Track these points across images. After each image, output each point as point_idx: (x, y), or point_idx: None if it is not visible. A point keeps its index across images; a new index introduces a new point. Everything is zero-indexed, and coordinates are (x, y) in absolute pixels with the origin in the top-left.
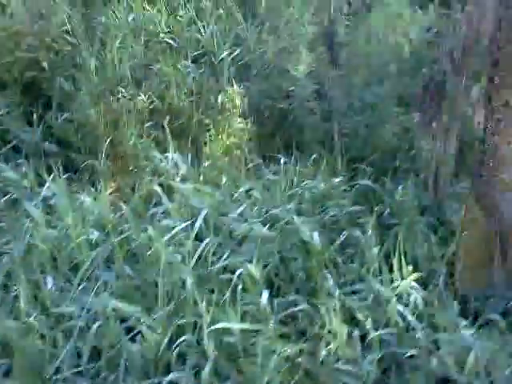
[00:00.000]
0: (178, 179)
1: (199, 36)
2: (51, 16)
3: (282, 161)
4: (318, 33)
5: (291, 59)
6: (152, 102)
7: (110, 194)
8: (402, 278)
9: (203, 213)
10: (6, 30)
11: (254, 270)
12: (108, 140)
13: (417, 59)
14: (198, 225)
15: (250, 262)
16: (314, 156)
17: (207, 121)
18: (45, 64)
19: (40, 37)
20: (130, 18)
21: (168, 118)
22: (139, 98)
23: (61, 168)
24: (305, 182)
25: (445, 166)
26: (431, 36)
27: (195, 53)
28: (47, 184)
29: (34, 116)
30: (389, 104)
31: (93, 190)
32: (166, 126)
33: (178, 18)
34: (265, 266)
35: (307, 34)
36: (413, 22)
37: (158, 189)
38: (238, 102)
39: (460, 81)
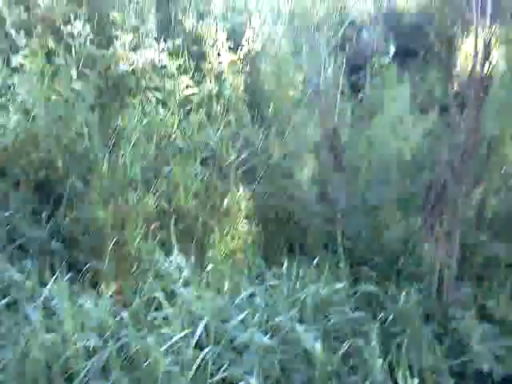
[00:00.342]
0: (181, 282)
1: (209, 139)
2: (70, 120)
3: (284, 264)
4: (322, 137)
5: (296, 162)
6: (159, 203)
7: (112, 296)
8: None
9: (204, 321)
10: (27, 132)
11: (255, 383)
12: (113, 241)
13: (418, 163)
14: (198, 333)
15: (251, 373)
16: (317, 259)
17: (212, 223)
18: (59, 164)
19: (57, 139)
20: (144, 122)
21: (174, 219)
22: (147, 199)
23: (64, 268)
24: (307, 288)
25: (448, 271)
26: (431, 140)
27: (204, 155)
28: (49, 285)
29: (44, 214)
30: (391, 207)
31: (95, 291)
32: (171, 228)
33: (190, 121)
34: (266, 377)
35: (312, 138)
36: (414, 126)
37: (159, 294)
38: (243, 204)
39: (460, 187)
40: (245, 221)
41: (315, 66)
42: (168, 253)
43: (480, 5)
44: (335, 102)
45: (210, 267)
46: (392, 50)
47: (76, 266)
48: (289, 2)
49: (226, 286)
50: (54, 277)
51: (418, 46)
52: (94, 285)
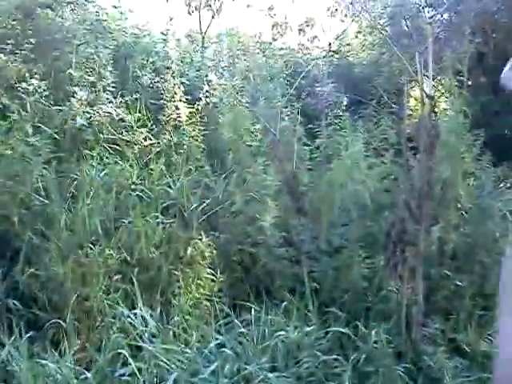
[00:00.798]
0: (146, 336)
1: (169, 189)
2: (26, 174)
3: (252, 310)
4: (282, 182)
5: (258, 208)
6: (121, 254)
7: (75, 354)
8: None
9: (172, 376)
10: None
11: None
12: (75, 296)
13: (377, 205)
14: None
15: None
16: (285, 303)
17: (176, 272)
18: (15, 219)
19: (13, 194)
20: (102, 173)
21: (137, 270)
22: (108, 252)
23: (23, 327)
24: (277, 333)
25: (415, 307)
26: (388, 183)
27: (165, 204)
28: (7, 347)
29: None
30: (355, 247)
31: (57, 350)
32: (134, 279)
33: (150, 171)
34: None
35: (272, 183)
36: (370, 170)
37: (125, 350)
38: (206, 253)
39: (420, 225)
40: (209, 270)
41: (272, 116)
42: (132, 306)
43: (423, 60)
44: (293, 149)
45: (176, 318)
46: (344, 100)
47: (36, 324)
48: (244, 57)
49: (194, 337)
50: (13, 337)
51: (369, 96)
52: (56, 343)
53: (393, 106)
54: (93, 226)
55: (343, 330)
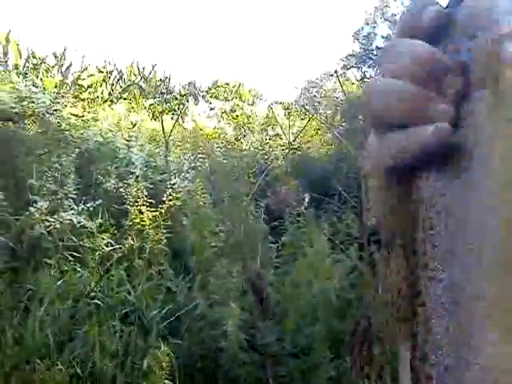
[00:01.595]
0: None
1: (129, 295)
2: None
3: None
4: (246, 283)
5: (221, 312)
6: (72, 368)
7: None
8: None
9: None
10: None
11: None
12: None
13: (343, 302)
14: None
15: None
16: None
17: None
18: None
19: None
20: (59, 282)
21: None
22: (58, 367)
23: None
24: None
25: None
26: (353, 278)
27: (124, 311)
28: None
29: None
30: (321, 347)
31: None
32: None
33: (109, 278)
34: None
35: (236, 285)
36: (334, 267)
37: None
38: (164, 363)
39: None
40: (167, 381)
41: (236, 216)
42: None
43: None
44: (257, 248)
45: None
46: (307, 197)
47: None
48: (207, 160)
49: None
50: None
51: (331, 191)
52: None
53: (353, 200)
54: (43, 337)
55: None
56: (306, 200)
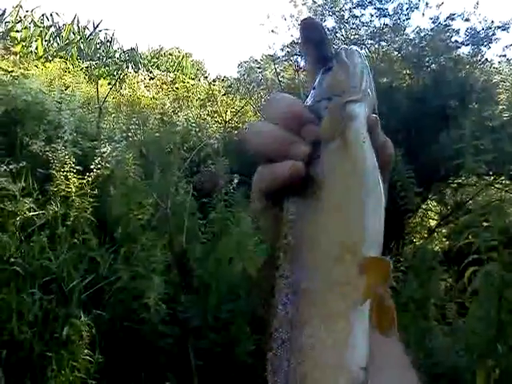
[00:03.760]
0: None
1: (50, 263)
2: None
3: None
4: (172, 258)
5: (144, 284)
6: None
7: None
8: None
9: None
10: None
11: None
12: None
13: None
14: None
15: None
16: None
17: (50, 354)
18: None
19: None
20: None
21: (5, 352)
22: None
23: None
24: None
25: None
26: None
27: (45, 279)
28: None
29: None
30: (241, 323)
31: None
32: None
33: (31, 244)
34: None
35: (161, 259)
36: (257, 247)
37: None
38: (84, 333)
39: None
40: (87, 351)
41: (165, 189)
42: None
43: None
44: (184, 224)
45: None
46: (235, 179)
47: None
48: (140, 131)
49: None
50: None
51: None
52: None
53: None
54: None
55: None
56: (236, 180)
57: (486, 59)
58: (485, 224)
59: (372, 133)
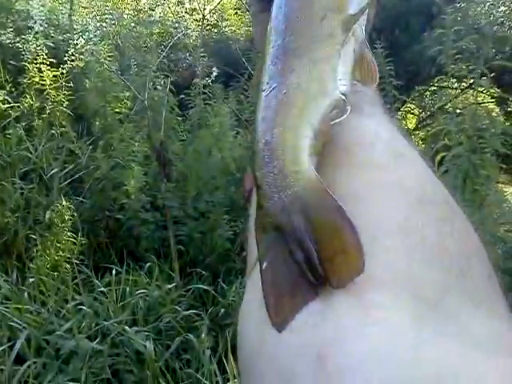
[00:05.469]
0: None
1: (29, 154)
2: None
3: (114, 271)
4: (151, 150)
5: (124, 174)
6: None
7: None
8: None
9: (24, 333)
10: None
11: None
12: None
13: (242, 172)
14: (17, 346)
15: (78, 380)
16: (149, 264)
17: (34, 236)
18: None
19: None
20: None
21: None
22: None
23: None
24: (138, 292)
25: None
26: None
27: (24, 169)
28: None
29: None
30: (220, 212)
31: None
32: None
33: (7, 136)
34: (95, 382)
35: (140, 151)
36: (236, 140)
37: None
38: (66, 216)
39: None
40: (70, 233)
41: (143, 84)
42: None
43: None
44: (162, 118)
45: (31, 280)
46: (214, 72)
47: None
48: (114, 23)
49: (51, 298)
50: None
51: (241, 70)
52: None
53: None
54: None
55: (204, 287)
56: (214, 73)
57: None
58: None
59: None
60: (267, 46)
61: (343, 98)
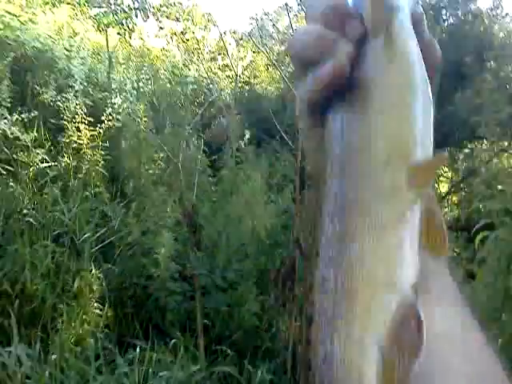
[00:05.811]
0: (19, 377)
1: (63, 216)
2: None
3: (138, 349)
4: (182, 214)
5: (155, 240)
6: (1, 284)
7: None
8: None
9: None
10: None
11: None
12: None
13: (273, 241)
14: None
15: None
16: (174, 341)
17: (61, 306)
18: None
19: None
20: None
21: (18, 302)
22: None
23: None
24: (161, 373)
25: (301, 347)
26: (285, 219)
27: (57, 231)
28: None
29: None
30: (249, 283)
31: None
32: (12, 313)
33: (43, 196)
34: None
35: (171, 216)
36: (268, 206)
37: None
38: (95, 286)
39: (309, 263)
40: (96, 304)
41: (176, 144)
42: (8, 341)
43: None
44: (195, 180)
45: (53, 357)
46: (247, 134)
47: None
48: (150, 83)
49: (72, 379)
50: None
51: (274, 130)
52: None
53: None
54: None
55: (229, 370)
56: (247, 136)
57: (507, 13)
58: (497, 190)
59: (417, 28)
60: (327, 178)
61: (413, 293)
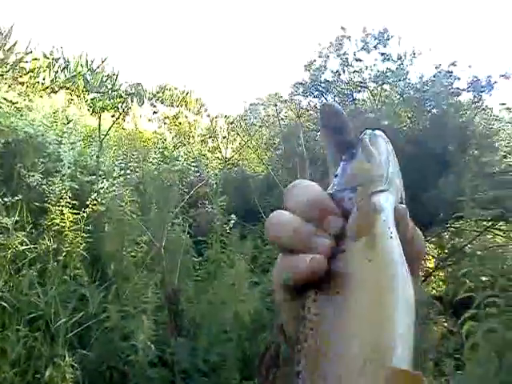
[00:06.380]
0: None
1: (38, 299)
2: None
3: None
4: (163, 298)
5: (134, 324)
6: None
7: None
8: None
9: None
10: None
11: None
12: None
13: (257, 325)
14: None
15: None
16: None
17: None
18: None
19: None
20: None
21: None
22: None
23: None
24: None
25: None
26: (270, 302)
27: (31, 316)
28: None
29: None
30: (231, 367)
31: None
32: None
33: (20, 278)
34: None
35: (152, 301)
36: (251, 290)
37: None
38: (67, 375)
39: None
40: None
41: (161, 227)
42: None
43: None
44: (178, 262)
45: None
46: (232, 219)
47: None
48: (138, 167)
49: None
50: None
51: (262, 210)
52: None
53: None
54: None
55: None
56: (232, 221)
57: (487, 106)
58: (482, 267)
59: (400, 225)
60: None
61: None
